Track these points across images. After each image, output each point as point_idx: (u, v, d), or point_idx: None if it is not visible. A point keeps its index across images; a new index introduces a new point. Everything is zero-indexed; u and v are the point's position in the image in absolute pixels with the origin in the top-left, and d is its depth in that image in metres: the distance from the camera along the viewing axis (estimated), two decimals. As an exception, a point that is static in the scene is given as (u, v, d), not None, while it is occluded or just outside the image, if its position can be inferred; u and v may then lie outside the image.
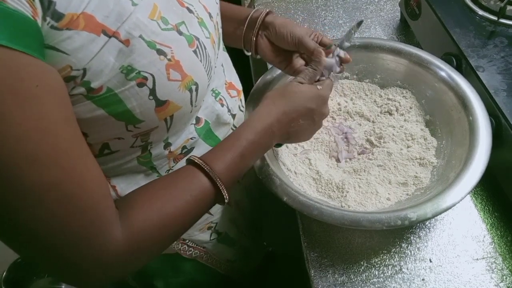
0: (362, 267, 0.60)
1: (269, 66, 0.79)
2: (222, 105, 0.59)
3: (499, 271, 0.59)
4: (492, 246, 0.61)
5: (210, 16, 0.53)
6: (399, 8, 0.95)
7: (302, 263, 0.65)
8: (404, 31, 0.94)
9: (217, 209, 0.67)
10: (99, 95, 0.40)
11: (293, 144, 0.72)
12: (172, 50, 0.43)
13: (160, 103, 0.44)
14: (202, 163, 0.46)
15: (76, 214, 0.36)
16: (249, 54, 0.68)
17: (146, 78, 0.42)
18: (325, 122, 0.73)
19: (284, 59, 0.66)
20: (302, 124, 0.55)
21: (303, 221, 0.66)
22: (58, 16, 0.34)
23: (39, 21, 0.33)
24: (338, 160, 0.70)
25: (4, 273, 1.35)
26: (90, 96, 0.40)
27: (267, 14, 0.65)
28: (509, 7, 0.73)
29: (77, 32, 0.36)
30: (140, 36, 0.40)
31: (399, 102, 0.74)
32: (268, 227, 1.03)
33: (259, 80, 0.74)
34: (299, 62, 0.66)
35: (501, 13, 0.72)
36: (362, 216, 0.55)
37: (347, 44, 0.62)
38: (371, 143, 0.71)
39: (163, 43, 0.42)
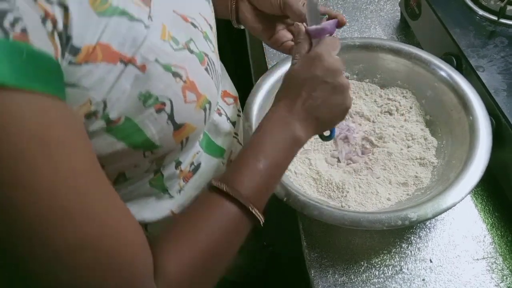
0: (363, 267, 0.60)
1: (269, 66, 0.79)
2: (220, 114, 0.58)
3: (499, 271, 0.59)
4: (493, 246, 0.61)
5: (211, 28, 0.52)
6: (399, 8, 0.95)
7: (302, 263, 0.65)
8: (404, 31, 0.94)
9: None
10: (118, 126, 0.38)
11: None
12: (186, 71, 0.42)
13: (178, 127, 0.43)
14: (224, 186, 0.42)
15: (114, 271, 0.33)
16: (235, 26, 0.62)
17: (164, 104, 0.40)
18: None
19: (268, 27, 0.59)
20: (318, 96, 0.47)
21: (303, 221, 0.66)
22: (75, 51, 0.33)
23: (60, 59, 0.32)
24: (338, 160, 0.70)
25: None
26: (109, 128, 0.38)
27: None
28: (509, 7, 0.72)
29: (96, 65, 0.34)
30: (156, 60, 0.39)
31: (399, 102, 0.74)
32: (268, 227, 1.02)
33: (259, 80, 0.74)
34: (285, 35, 0.59)
35: (501, 13, 0.72)
36: (362, 216, 0.55)
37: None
38: (371, 143, 0.71)
39: (178, 64, 0.41)
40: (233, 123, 0.61)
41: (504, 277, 0.58)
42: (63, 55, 0.32)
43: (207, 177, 0.56)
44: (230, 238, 0.42)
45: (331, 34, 0.50)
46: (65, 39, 0.32)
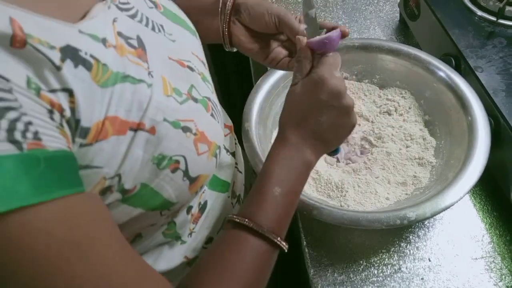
0: (362, 266, 0.61)
1: (269, 66, 0.79)
2: None
3: (498, 271, 0.59)
4: (491, 245, 0.61)
5: (204, 65, 0.51)
6: (398, 9, 0.95)
7: (302, 262, 0.65)
8: (403, 32, 0.94)
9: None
10: (134, 194, 0.38)
11: None
12: (195, 123, 0.41)
13: (193, 180, 0.42)
14: (246, 221, 0.42)
15: None
16: (228, 49, 0.59)
17: (178, 162, 0.39)
18: None
19: (262, 47, 0.56)
20: (325, 120, 0.46)
21: (303, 220, 0.66)
22: (85, 133, 0.32)
23: (71, 146, 0.31)
24: (337, 160, 0.70)
25: None
26: (125, 198, 0.38)
27: None
28: (508, 8, 0.73)
29: (107, 140, 0.34)
30: (164, 119, 0.38)
31: (398, 103, 0.75)
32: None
33: (259, 81, 0.74)
34: (281, 52, 0.57)
35: (500, 14, 0.72)
36: (361, 216, 0.55)
37: (311, 12, 0.50)
38: (370, 143, 0.71)
39: (186, 118, 0.40)
40: (233, 154, 0.59)
41: (503, 276, 0.58)
42: (73, 141, 0.32)
43: (214, 213, 0.55)
44: (262, 271, 0.43)
45: (335, 45, 0.48)
46: (74, 124, 0.31)
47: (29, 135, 0.28)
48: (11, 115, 0.27)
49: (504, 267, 0.59)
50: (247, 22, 0.55)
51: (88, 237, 0.30)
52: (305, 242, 0.64)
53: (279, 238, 0.43)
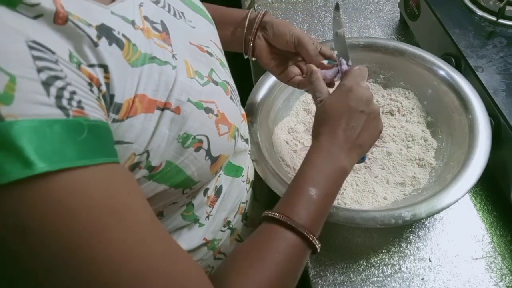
0: (362, 267, 0.60)
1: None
2: None
3: (498, 271, 0.59)
4: (492, 245, 0.61)
5: (221, 51, 0.53)
6: (398, 8, 0.95)
7: (302, 262, 0.65)
8: (404, 32, 0.94)
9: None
10: (160, 171, 0.39)
11: (293, 141, 0.73)
12: (216, 105, 0.43)
13: (214, 160, 0.44)
14: (282, 217, 0.44)
15: None
16: (246, 57, 0.66)
17: (201, 141, 0.41)
18: None
19: (279, 63, 0.64)
20: (357, 125, 0.50)
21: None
22: (118, 108, 0.34)
23: (108, 120, 0.33)
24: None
25: None
26: (151, 175, 0.39)
27: (264, 14, 0.63)
28: (508, 8, 0.73)
29: (136, 117, 0.35)
30: (188, 100, 0.40)
31: (401, 103, 0.75)
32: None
33: (258, 81, 0.74)
34: (294, 71, 0.63)
35: (500, 14, 0.72)
36: (356, 214, 0.55)
37: (340, 31, 0.59)
38: (371, 142, 0.71)
39: (208, 99, 0.42)
40: (246, 140, 0.62)
41: (503, 277, 0.58)
42: (108, 115, 0.33)
43: (230, 197, 0.57)
44: (294, 267, 0.44)
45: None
46: (109, 98, 0.33)
47: (74, 103, 0.29)
48: (59, 83, 0.29)
49: (505, 267, 0.59)
50: (270, 39, 0.62)
51: (126, 205, 0.32)
52: (305, 242, 0.63)
53: (312, 235, 0.44)
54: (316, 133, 0.52)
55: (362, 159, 0.57)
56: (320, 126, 0.52)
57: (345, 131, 0.50)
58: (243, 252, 0.43)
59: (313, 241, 0.44)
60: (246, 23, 0.63)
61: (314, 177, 0.47)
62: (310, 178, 0.47)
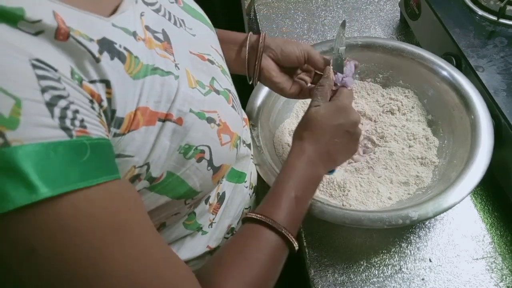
0: (362, 267, 0.60)
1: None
2: None
3: (498, 271, 0.59)
4: (492, 246, 0.61)
5: (222, 58, 0.53)
6: (399, 8, 0.95)
7: (302, 262, 0.65)
8: (404, 31, 0.94)
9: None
10: (161, 182, 0.39)
11: None
12: (218, 114, 0.43)
13: (216, 170, 0.44)
14: (263, 218, 0.45)
15: None
16: (250, 82, 0.65)
17: (203, 152, 0.41)
18: None
19: (288, 79, 0.64)
20: (339, 142, 0.54)
21: (303, 221, 0.65)
22: (119, 122, 0.34)
23: (108, 136, 0.32)
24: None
25: None
26: (152, 186, 0.39)
27: (265, 36, 0.62)
28: (508, 7, 0.73)
29: (138, 130, 0.35)
30: (190, 110, 0.40)
31: (401, 102, 0.74)
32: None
33: (258, 84, 0.74)
34: (305, 78, 0.65)
35: (500, 13, 0.72)
36: (364, 215, 0.55)
37: (341, 49, 0.60)
38: (373, 142, 0.71)
39: (210, 109, 0.42)
40: (248, 145, 0.62)
41: (504, 277, 0.58)
42: (109, 130, 0.33)
43: (233, 204, 0.57)
44: (274, 264, 0.45)
45: (350, 84, 0.58)
46: (110, 114, 0.33)
47: (77, 122, 0.29)
48: (62, 103, 0.28)
49: (505, 267, 0.59)
50: (278, 58, 0.62)
51: (127, 222, 0.32)
52: (305, 242, 0.63)
53: (290, 235, 0.46)
54: (299, 135, 0.54)
55: (330, 172, 0.61)
56: (305, 130, 0.54)
57: (327, 144, 0.53)
58: (229, 253, 0.44)
59: (291, 240, 0.46)
60: (247, 47, 0.62)
61: (295, 182, 0.50)
62: (291, 183, 0.49)
